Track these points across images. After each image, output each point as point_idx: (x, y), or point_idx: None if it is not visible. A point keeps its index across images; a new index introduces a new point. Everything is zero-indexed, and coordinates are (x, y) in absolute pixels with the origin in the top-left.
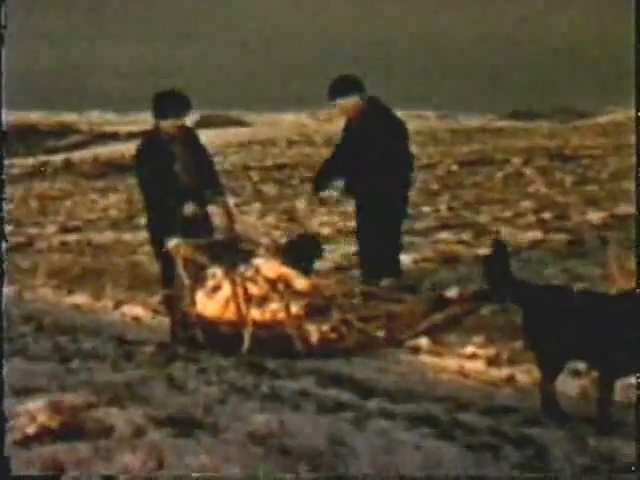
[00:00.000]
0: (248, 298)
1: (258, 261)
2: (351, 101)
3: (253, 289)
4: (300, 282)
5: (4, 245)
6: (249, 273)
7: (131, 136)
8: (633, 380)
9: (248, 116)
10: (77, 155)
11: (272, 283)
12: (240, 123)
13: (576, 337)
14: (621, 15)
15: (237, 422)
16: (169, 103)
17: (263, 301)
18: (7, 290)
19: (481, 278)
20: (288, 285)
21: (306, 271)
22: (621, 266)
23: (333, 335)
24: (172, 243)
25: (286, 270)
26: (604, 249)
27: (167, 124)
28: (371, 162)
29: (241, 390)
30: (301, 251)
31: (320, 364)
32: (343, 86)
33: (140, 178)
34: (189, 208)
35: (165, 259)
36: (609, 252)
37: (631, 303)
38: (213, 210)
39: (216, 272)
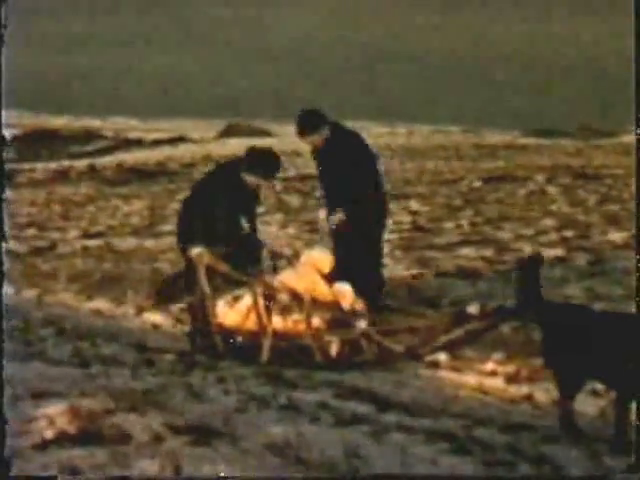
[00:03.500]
0: (270, 306)
1: (286, 274)
2: (320, 135)
3: (279, 297)
4: (324, 293)
5: (4, 246)
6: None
7: (155, 143)
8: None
9: (272, 126)
10: (101, 161)
11: (295, 295)
12: (264, 133)
13: (594, 357)
14: None
15: (255, 432)
16: (262, 162)
17: (286, 310)
18: (28, 293)
19: (502, 294)
20: (313, 298)
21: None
22: None
23: (352, 348)
24: (195, 251)
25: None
26: (625, 269)
27: (251, 179)
28: (340, 185)
29: (259, 400)
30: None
31: (339, 376)
32: (310, 124)
33: (195, 196)
34: (244, 223)
35: (189, 267)
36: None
37: None
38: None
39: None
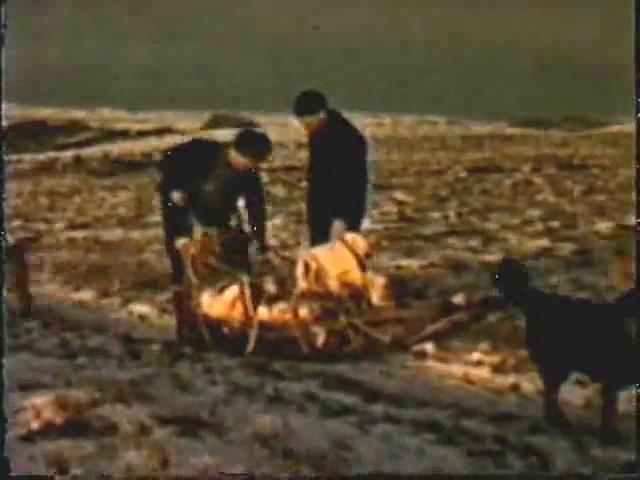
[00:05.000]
0: (258, 295)
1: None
2: (317, 118)
3: (267, 285)
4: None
5: (3, 243)
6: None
7: (141, 134)
8: (634, 391)
9: (258, 117)
10: (87, 152)
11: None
12: (250, 124)
13: (577, 348)
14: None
15: (241, 423)
16: (252, 144)
17: (272, 300)
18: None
19: (488, 285)
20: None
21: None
22: (625, 275)
23: (339, 338)
24: (181, 242)
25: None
26: (611, 259)
27: (238, 157)
28: (329, 173)
29: (246, 391)
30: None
31: (325, 367)
32: (310, 104)
33: (164, 177)
34: (177, 196)
35: (175, 258)
36: (614, 264)
37: (631, 311)
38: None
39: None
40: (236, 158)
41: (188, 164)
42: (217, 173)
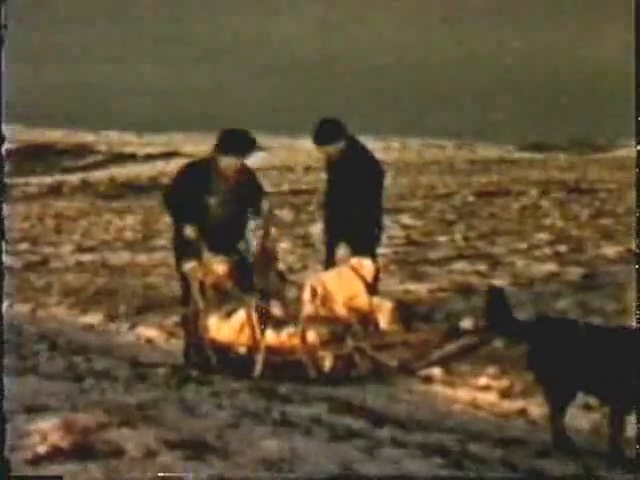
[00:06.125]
0: (265, 319)
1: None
2: (337, 148)
3: (274, 309)
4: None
5: (4, 247)
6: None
7: (149, 157)
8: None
9: (265, 141)
10: (94, 175)
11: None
12: (257, 147)
13: (583, 371)
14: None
15: (248, 447)
16: (235, 141)
17: (279, 324)
18: (21, 308)
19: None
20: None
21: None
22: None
23: (346, 362)
24: (188, 266)
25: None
26: (619, 283)
27: (226, 160)
28: (345, 198)
29: (253, 415)
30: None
31: (332, 391)
32: (329, 134)
33: (168, 202)
34: (189, 230)
35: (184, 281)
36: (628, 289)
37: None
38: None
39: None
40: (224, 161)
41: (189, 188)
42: (216, 186)
